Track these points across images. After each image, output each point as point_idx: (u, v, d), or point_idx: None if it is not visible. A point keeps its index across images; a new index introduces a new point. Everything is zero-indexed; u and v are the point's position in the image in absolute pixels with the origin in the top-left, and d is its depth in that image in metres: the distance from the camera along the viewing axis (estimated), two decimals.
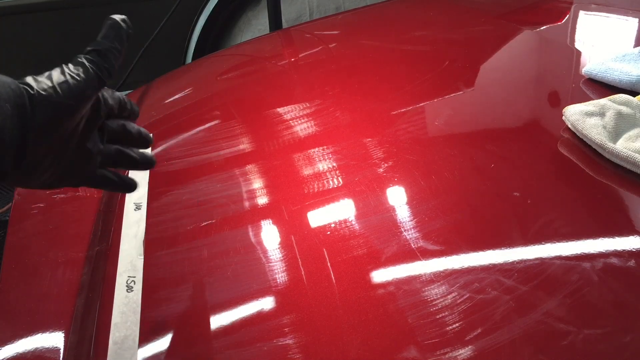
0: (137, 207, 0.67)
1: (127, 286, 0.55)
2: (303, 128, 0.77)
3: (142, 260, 0.58)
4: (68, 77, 0.38)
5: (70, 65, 0.39)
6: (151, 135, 0.50)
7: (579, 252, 0.49)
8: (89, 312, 0.54)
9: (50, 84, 0.38)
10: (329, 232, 0.56)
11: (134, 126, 0.49)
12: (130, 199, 0.69)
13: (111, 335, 0.50)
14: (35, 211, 0.71)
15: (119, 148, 0.47)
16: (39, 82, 0.38)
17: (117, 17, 0.42)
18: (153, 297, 0.53)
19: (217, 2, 1.84)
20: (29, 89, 0.37)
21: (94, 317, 0.53)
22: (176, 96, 1.03)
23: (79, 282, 0.58)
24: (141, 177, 0.73)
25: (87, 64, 0.39)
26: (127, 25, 0.42)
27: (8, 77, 0.37)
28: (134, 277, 0.56)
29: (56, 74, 0.38)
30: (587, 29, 0.99)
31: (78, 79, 0.38)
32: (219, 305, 0.51)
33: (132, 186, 0.50)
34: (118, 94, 0.47)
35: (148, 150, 0.50)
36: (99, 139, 0.45)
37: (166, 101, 1.01)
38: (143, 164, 0.50)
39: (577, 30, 0.99)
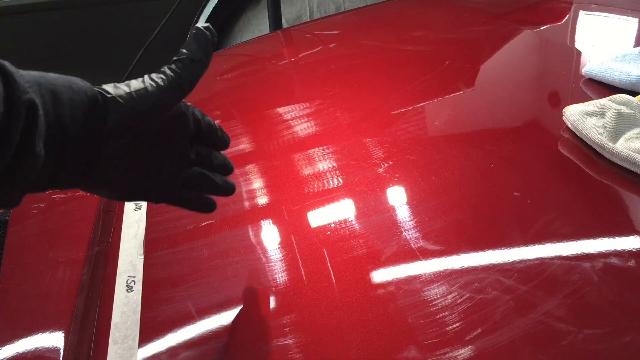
0: (137, 207, 0.67)
1: (127, 286, 0.55)
2: (303, 128, 0.77)
3: (142, 260, 0.58)
4: (147, 84, 0.39)
5: (153, 75, 0.40)
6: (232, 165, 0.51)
7: (579, 252, 0.49)
8: (89, 312, 0.54)
9: (127, 90, 0.38)
10: (329, 232, 0.56)
11: (220, 154, 0.49)
12: None
13: (111, 335, 0.50)
14: (35, 211, 0.71)
15: (202, 172, 0.47)
16: (117, 89, 0.38)
17: (202, 26, 0.42)
18: (153, 297, 0.53)
19: (217, 2, 1.84)
20: (105, 94, 0.37)
21: (94, 317, 0.53)
22: None
23: (79, 282, 0.58)
24: None
25: (168, 72, 0.40)
26: (212, 33, 0.42)
27: (87, 82, 0.37)
28: (134, 277, 0.56)
29: (135, 82, 0.39)
30: (587, 29, 0.99)
31: (156, 86, 0.39)
32: (219, 305, 0.51)
33: (213, 206, 0.49)
34: (209, 119, 0.48)
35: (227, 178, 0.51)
36: (186, 158, 0.45)
37: None
38: (224, 190, 0.49)
39: (577, 30, 0.99)
